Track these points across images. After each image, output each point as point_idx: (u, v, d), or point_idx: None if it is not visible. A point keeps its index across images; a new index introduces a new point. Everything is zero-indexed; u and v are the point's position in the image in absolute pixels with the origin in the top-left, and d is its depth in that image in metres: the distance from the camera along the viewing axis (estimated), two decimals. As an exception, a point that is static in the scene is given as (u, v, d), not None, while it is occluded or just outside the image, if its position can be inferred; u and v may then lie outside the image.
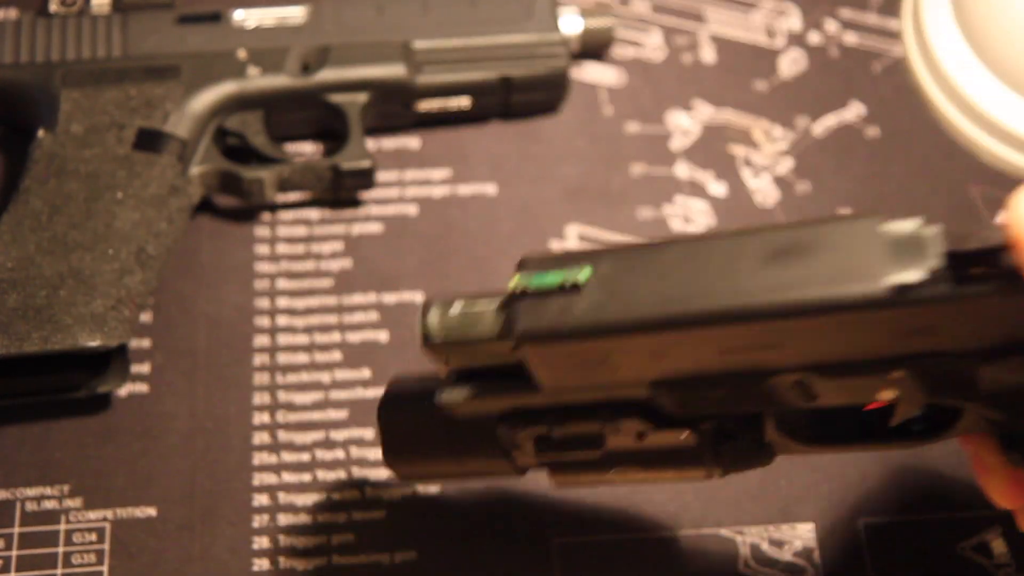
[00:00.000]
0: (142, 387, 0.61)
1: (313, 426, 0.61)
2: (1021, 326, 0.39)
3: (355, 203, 0.67)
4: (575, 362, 0.44)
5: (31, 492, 0.59)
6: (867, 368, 0.41)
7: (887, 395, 0.43)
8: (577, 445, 0.47)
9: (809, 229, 0.41)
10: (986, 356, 0.40)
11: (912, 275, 0.38)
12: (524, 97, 0.68)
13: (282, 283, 0.64)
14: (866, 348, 0.41)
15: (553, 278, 0.43)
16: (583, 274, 0.43)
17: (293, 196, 0.67)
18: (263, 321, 0.63)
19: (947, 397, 0.42)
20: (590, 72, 0.71)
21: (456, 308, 0.46)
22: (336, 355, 0.62)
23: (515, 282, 0.44)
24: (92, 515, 0.58)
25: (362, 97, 0.66)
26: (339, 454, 0.60)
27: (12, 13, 0.70)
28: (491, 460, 0.50)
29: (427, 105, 0.68)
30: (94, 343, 0.57)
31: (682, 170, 0.68)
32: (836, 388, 0.43)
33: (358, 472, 0.59)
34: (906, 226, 0.40)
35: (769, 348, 0.41)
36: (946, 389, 0.42)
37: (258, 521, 0.58)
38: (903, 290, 0.38)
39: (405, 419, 0.51)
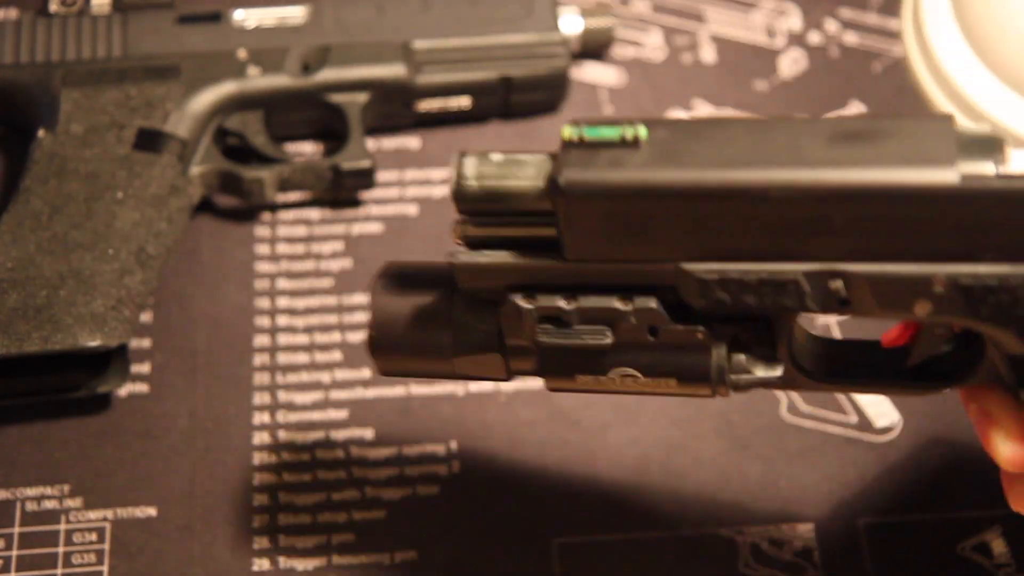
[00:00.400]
0: (142, 387, 0.61)
1: (313, 426, 0.61)
2: None
3: (355, 203, 0.67)
4: (615, 226, 0.41)
5: (31, 492, 0.59)
6: (911, 270, 0.40)
7: (923, 309, 0.40)
8: (585, 329, 0.44)
9: (882, 120, 0.40)
10: None
11: (985, 167, 0.38)
12: (524, 97, 0.68)
13: (282, 283, 0.64)
14: (915, 246, 0.39)
15: (609, 132, 0.40)
16: (642, 131, 0.40)
17: (293, 196, 0.67)
18: (263, 321, 0.63)
19: (986, 319, 0.40)
20: (590, 72, 0.71)
21: (497, 157, 0.42)
22: (336, 355, 0.62)
23: (567, 132, 0.41)
24: (92, 515, 0.58)
25: (362, 97, 0.66)
26: (339, 454, 0.60)
27: (12, 13, 0.70)
28: (485, 354, 0.46)
29: (427, 105, 0.68)
30: (94, 343, 0.57)
31: (682, 170, 0.68)
32: (873, 290, 0.40)
33: (358, 472, 0.59)
34: (981, 128, 0.39)
35: (817, 234, 0.40)
36: (987, 308, 0.40)
37: (258, 521, 0.58)
38: (976, 178, 0.37)
39: (400, 303, 0.47)
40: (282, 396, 0.61)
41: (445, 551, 0.57)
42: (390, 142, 0.69)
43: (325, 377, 0.62)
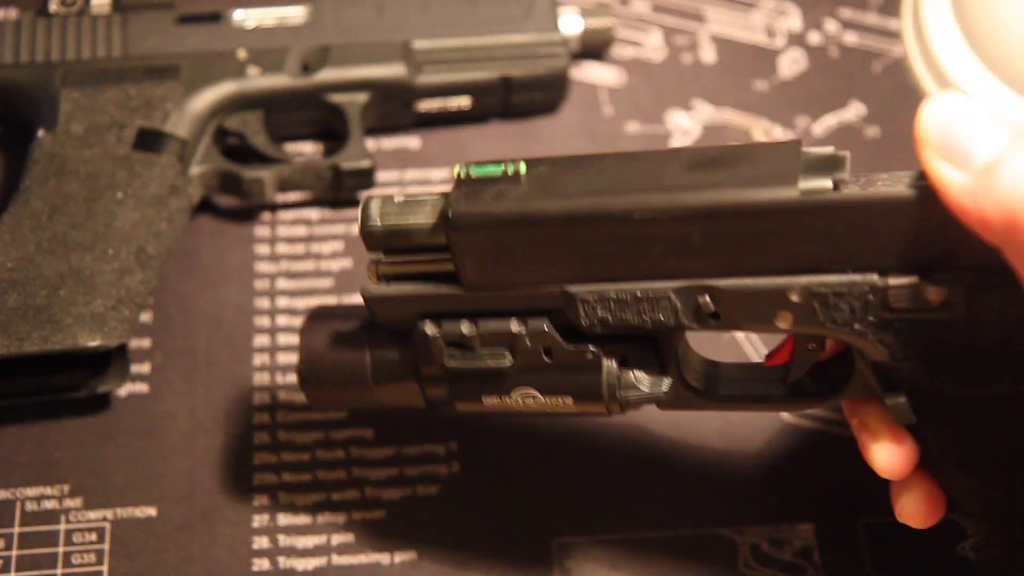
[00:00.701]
0: (142, 387, 0.61)
1: (313, 426, 0.61)
2: (910, 250, 0.42)
3: (355, 203, 0.67)
4: (502, 253, 0.45)
5: (31, 492, 0.59)
6: (768, 283, 0.43)
7: (784, 321, 0.44)
8: (487, 352, 0.48)
9: (735, 147, 0.44)
10: (876, 278, 0.42)
11: (824, 183, 0.41)
12: (524, 97, 0.68)
13: (282, 283, 0.64)
14: (769, 260, 0.43)
15: (493, 169, 0.45)
16: (522, 167, 0.45)
17: (293, 196, 0.67)
18: (263, 321, 0.63)
19: (840, 325, 0.43)
20: (590, 72, 0.71)
21: (398, 198, 0.47)
22: (336, 355, 0.62)
23: (456, 170, 0.46)
24: (92, 515, 0.58)
25: (362, 97, 0.66)
26: (339, 454, 0.60)
27: (12, 13, 0.70)
28: (403, 383, 0.50)
29: (427, 105, 0.68)
30: (94, 343, 0.57)
31: (682, 170, 0.68)
32: (738, 303, 0.44)
33: (358, 472, 0.59)
34: (823, 150, 0.43)
35: (681, 253, 0.44)
36: (839, 314, 0.43)
37: (258, 521, 0.58)
38: (814, 192, 0.41)
39: (325, 340, 0.51)
40: (282, 396, 0.61)
41: (445, 551, 0.57)
42: (390, 142, 0.69)
43: (325, 377, 0.62)
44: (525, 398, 0.49)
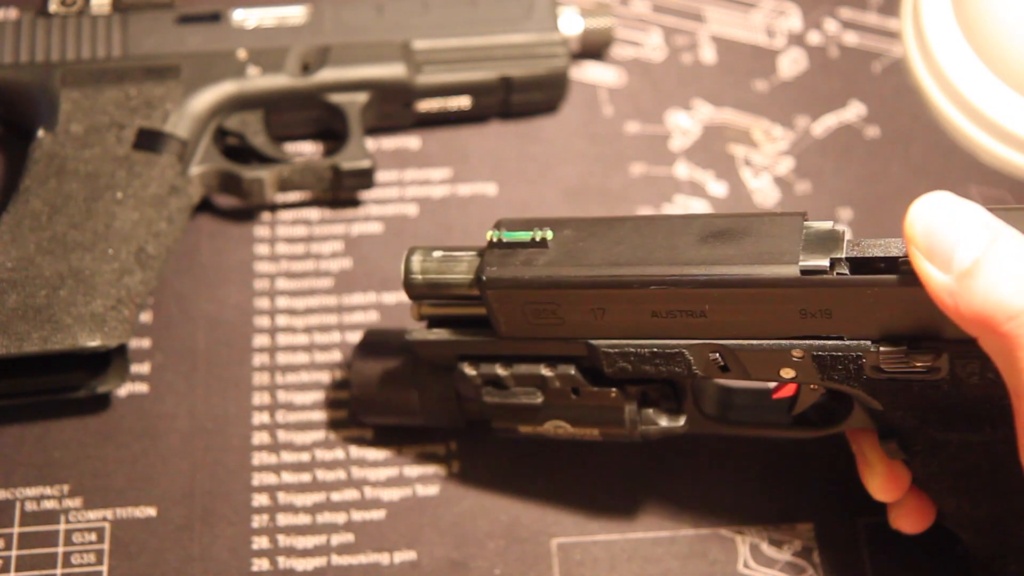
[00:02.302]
0: (142, 387, 0.61)
1: (313, 426, 0.61)
2: (900, 322, 0.45)
3: (355, 203, 0.67)
4: (530, 310, 0.50)
5: (31, 492, 0.59)
6: (772, 344, 0.48)
7: (788, 373, 0.49)
8: (520, 390, 0.53)
9: (744, 219, 0.48)
10: (870, 345, 0.46)
11: (820, 262, 0.45)
12: (524, 97, 0.68)
13: (282, 283, 0.64)
14: (774, 325, 0.47)
15: (522, 234, 0.50)
16: (548, 234, 0.50)
17: (293, 196, 0.67)
18: (263, 321, 0.63)
19: (836, 381, 0.48)
20: (590, 72, 0.71)
21: (437, 253, 0.52)
22: (336, 355, 0.62)
23: (490, 234, 0.50)
24: (92, 515, 0.58)
25: (362, 97, 0.66)
26: (339, 454, 0.60)
27: (12, 13, 0.70)
28: (444, 404, 0.56)
29: (427, 105, 0.68)
30: (94, 343, 0.57)
31: (682, 170, 0.68)
32: (745, 360, 0.49)
33: (358, 472, 0.59)
34: (823, 225, 0.47)
35: (692, 315, 0.48)
36: (836, 373, 0.48)
37: (258, 521, 0.58)
38: (810, 272, 0.45)
39: (375, 362, 0.57)
40: (282, 396, 0.61)
41: (445, 551, 0.57)
42: (390, 142, 0.69)
43: (325, 377, 0.62)
44: (556, 428, 0.54)
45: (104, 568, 0.57)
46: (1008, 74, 0.68)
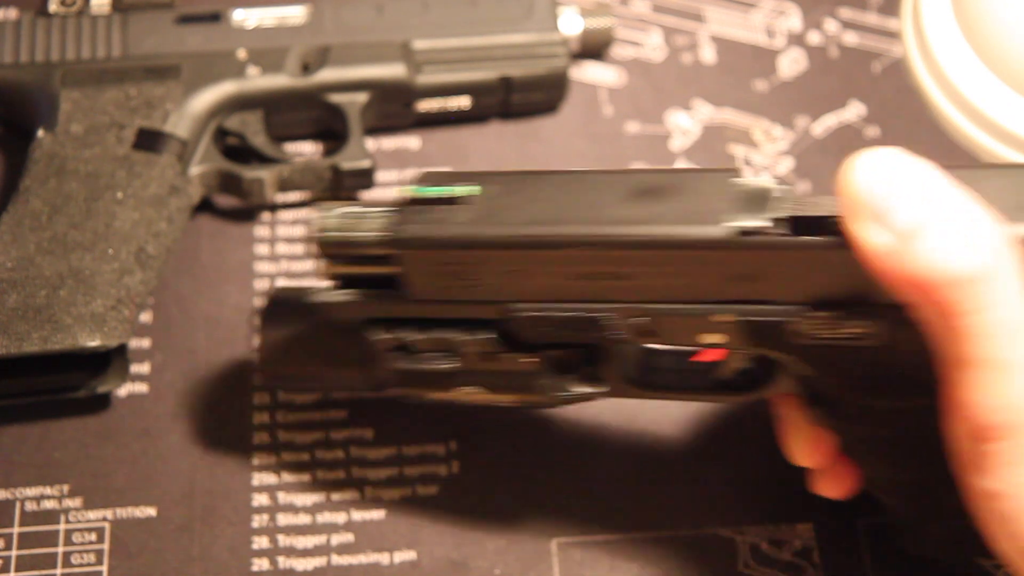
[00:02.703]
0: (142, 387, 0.61)
1: (313, 426, 0.61)
2: (832, 286, 0.44)
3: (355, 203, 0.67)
4: (446, 271, 0.47)
5: (31, 492, 0.59)
6: (698, 308, 0.46)
7: (714, 339, 0.46)
8: (432, 356, 0.50)
9: (673, 175, 0.46)
10: (800, 309, 0.45)
11: (750, 222, 0.43)
12: (524, 97, 0.68)
13: (282, 283, 0.64)
14: (700, 289, 0.45)
15: (440, 190, 0.47)
16: (468, 191, 0.47)
17: (293, 196, 0.67)
18: (263, 321, 0.63)
19: (765, 347, 0.46)
20: (590, 72, 0.71)
21: (348, 209, 0.49)
22: (336, 355, 0.62)
23: (404, 189, 0.48)
24: (92, 515, 0.58)
25: (362, 97, 0.66)
26: (339, 454, 0.60)
27: (12, 13, 0.70)
28: (354, 368, 0.53)
29: (427, 105, 0.68)
30: (94, 343, 0.57)
31: (682, 170, 0.68)
32: (669, 324, 0.47)
33: (358, 472, 0.59)
34: (756, 182, 0.44)
35: (615, 278, 0.46)
36: (764, 338, 0.46)
37: (258, 521, 0.58)
38: (739, 234, 0.43)
39: (284, 323, 0.54)
40: (282, 396, 0.61)
41: (445, 551, 0.57)
42: (390, 142, 0.69)
43: (325, 377, 0.62)
44: (470, 394, 0.52)
45: (104, 568, 0.57)
46: (1008, 74, 0.68)
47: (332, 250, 0.49)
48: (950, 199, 0.39)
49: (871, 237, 0.40)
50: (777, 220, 0.43)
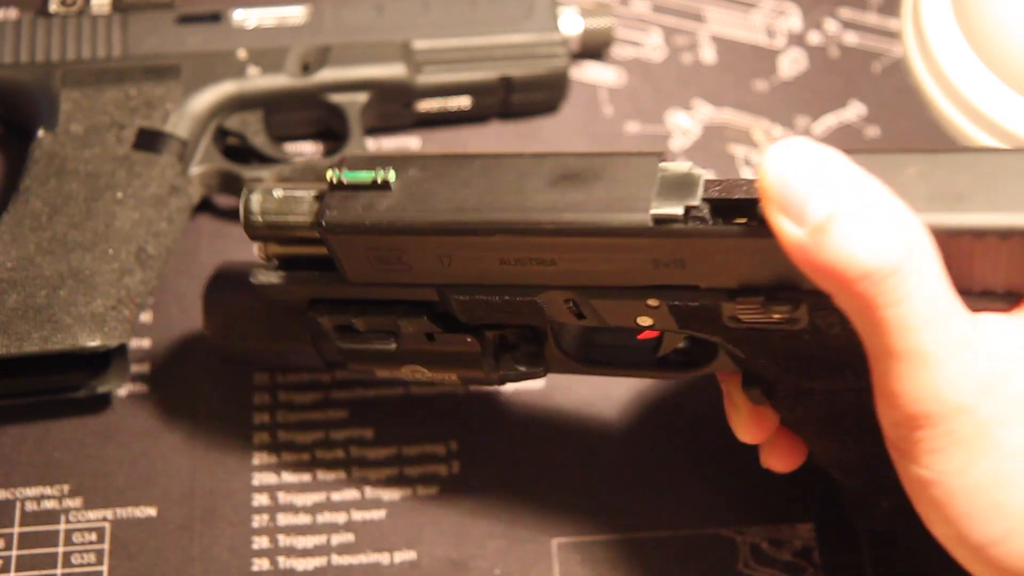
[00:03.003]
0: (142, 387, 0.61)
1: (313, 426, 0.61)
2: (757, 272, 0.43)
3: (355, 203, 0.67)
4: (375, 256, 0.47)
5: (31, 492, 0.59)
6: (626, 294, 0.46)
7: (645, 321, 0.47)
8: (374, 337, 0.51)
9: (597, 159, 0.45)
10: (727, 295, 0.44)
11: (672, 210, 0.43)
12: (524, 97, 0.68)
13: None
14: (627, 274, 0.45)
15: (364, 175, 0.46)
16: (391, 175, 0.46)
17: (293, 196, 0.67)
18: (263, 321, 0.63)
19: (695, 329, 0.46)
20: (590, 72, 0.71)
21: (278, 192, 0.49)
22: (336, 355, 0.62)
23: (330, 174, 0.47)
24: (92, 515, 0.58)
25: (362, 97, 0.66)
26: (339, 454, 0.60)
27: (12, 13, 0.70)
28: (300, 346, 0.53)
29: (427, 105, 0.68)
30: (94, 343, 0.57)
31: (682, 170, 0.68)
32: (600, 308, 0.47)
33: (358, 472, 0.59)
34: (680, 167, 0.44)
35: (543, 263, 0.45)
36: (694, 322, 0.46)
37: (258, 521, 0.58)
38: (661, 221, 0.43)
39: (228, 299, 0.54)
40: (282, 396, 0.61)
41: (445, 551, 0.57)
42: (390, 142, 0.69)
43: (325, 376, 0.62)
44: (414, 372, 0.52)
45: (104, 568, 0.57)
46: (1008, 74, 0.68)
47: (266, 232, 0.49)
48: (862, 190, 0.39)
49: (786, 229, 0.39)
50: (699, 206, 0.43)
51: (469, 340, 0.50)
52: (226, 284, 0.55)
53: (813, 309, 0.44)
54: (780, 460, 0.52)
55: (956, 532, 0.41)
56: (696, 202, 0.43)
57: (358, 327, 0.51)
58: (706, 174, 0.44)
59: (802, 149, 0.39)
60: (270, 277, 0.50)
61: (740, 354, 0.47)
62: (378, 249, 0.47)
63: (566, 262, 0.45)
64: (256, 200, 0.49)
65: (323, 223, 0.47)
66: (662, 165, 0.44)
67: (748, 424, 0.51)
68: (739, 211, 0.42)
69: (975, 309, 0.41)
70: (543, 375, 0.52)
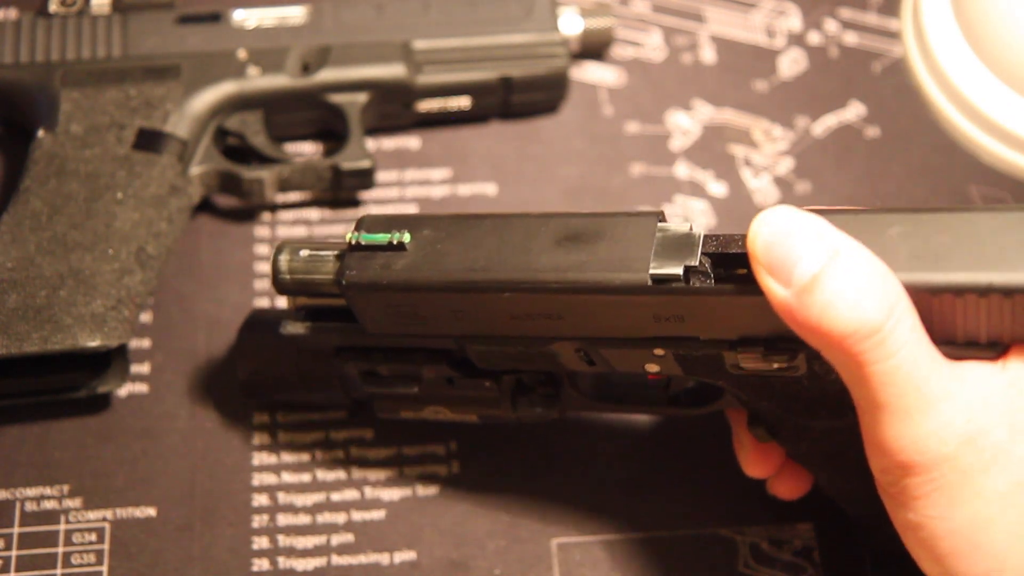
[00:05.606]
0: (142, 387, 0.61)
1: (313, 426, 0.61)
2: (754, 324, 0.46)
3: (355, 203, 0.67)
4: (393, 311, 0.50)
5: (31, 492, 0.59)
6: (632, 344, 0.48)
7: (653, 368, 0.50)
8: (397, 382, 0.55)
9: (599, 220, 0.48)
10: (728, 345, 0.47)
11: (671, 270, 0.45)
12: (524, 97, 0.68)
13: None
14: (631, 327, 0.48)
15: (381, 237, 0.50)
16: (406, 237, 0.49)
17: (293, 196, 0.67)
18: (263, 321, 0.63)
19: (701, 375, 0.49)
20: (590, 72, 0.71)
21: (304, 252, 0.52)
22: (336, 355, 0.62)
23: (349, 236, 0.50)
24: (92, 515, 0.58)
25: (362, 97, 0.66)
26: (339, 454, 0.60)
27: (12, 13, 0.70)
28: (328, 389, 0.57)
29: (427, 105, 0.68)
30: (94, 343, 0.57)
31: (682, 170, 0.68)
32: (609, 356, 0.50)
33: (358, 472, 0.59)
34: (678, 227, 0.46)
35: (552, 318, 0.48)
36: (699, 369, 0.49)
37: (258, 521, 0.58)
38: (659, 281, 0.45)
39: (260, 344, 0.57)
40: (282, 396, 0.61)
41: (445, 551, 0.57)
42: (390, 142, 0.69)
43: (325, 377, 0.62)
44: (436, 412, 0.56)
45: (104, 568, 0.57)
46: (1008, 74, 0.68)
47: (294, 288, 0.52)
48: (846, 253, 0.41)
49: (775, 290, 0.42)
50: (698, 265, 0.45)
51: (487, 385, 0.54)
52: (258, 331, 0.58)
53: (810, 357, 0.46)
54: (786, 489, 0.55)
55: (943, 570, 0.44)
56: (695, 261, 0.45)
57: (382, 372, 0.54)
58: (701, 234, 0.46)
59: (787, 215, 0.42)
60: (298, 328, 0.54)
61: (744, 397, 0.50)
62: (395, 305, 0.50)
63: (573, 316, 0.48)
64: (284, 260, 0.52)
65: (343, 282, 0.50)
66: (661, 225, 0.47)
67: (755, 460, 0.54)
68: (737, 263, 0.45)
69: (960, 358, 0.43)
70: (559, 415, 0.55)
